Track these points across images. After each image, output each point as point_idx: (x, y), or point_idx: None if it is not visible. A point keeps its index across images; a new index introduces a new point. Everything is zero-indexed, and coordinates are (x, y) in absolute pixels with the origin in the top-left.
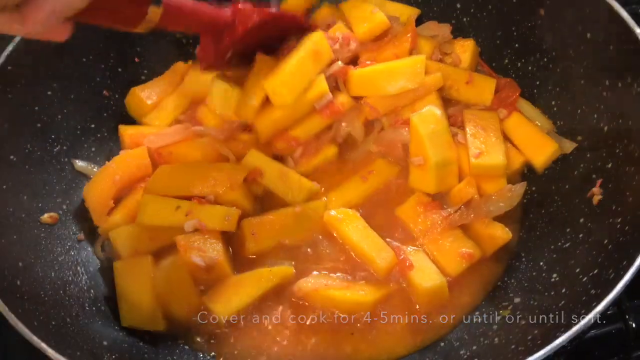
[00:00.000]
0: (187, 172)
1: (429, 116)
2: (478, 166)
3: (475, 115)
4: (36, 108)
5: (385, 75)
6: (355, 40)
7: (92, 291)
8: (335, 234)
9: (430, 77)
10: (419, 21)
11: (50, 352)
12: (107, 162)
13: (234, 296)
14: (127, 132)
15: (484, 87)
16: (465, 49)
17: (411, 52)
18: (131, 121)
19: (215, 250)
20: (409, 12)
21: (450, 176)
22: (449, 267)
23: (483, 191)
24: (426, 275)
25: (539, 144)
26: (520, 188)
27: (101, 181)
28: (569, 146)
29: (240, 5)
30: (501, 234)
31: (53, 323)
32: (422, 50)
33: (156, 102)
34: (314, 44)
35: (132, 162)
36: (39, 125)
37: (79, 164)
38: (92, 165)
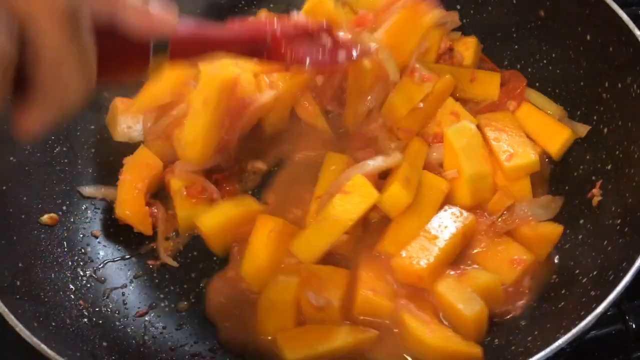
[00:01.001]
0: None
1: (463, 130)
2: (513, 169)
3: (489, 119)
4: None
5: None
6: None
7: (92, 293)
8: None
9: (442, 80)
10: None
11: (50, 353)
12: (119, 177)
13: (306, 346)
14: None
15: (489, 83)
16: (468, 47)
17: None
18: None
19: (334, 293)
20: None
21: (485, 190)
22: (504, 275)
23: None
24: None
25: (552, 131)
26: (559, 200)
27: (127, 196)
28: (583, 130)
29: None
30: (552, 229)
31: (53, 324)
32: (430, 39)
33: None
34: (465, 226)
35: (142, 164)
36: None
37: (88, 190)
38: (100, 187)
